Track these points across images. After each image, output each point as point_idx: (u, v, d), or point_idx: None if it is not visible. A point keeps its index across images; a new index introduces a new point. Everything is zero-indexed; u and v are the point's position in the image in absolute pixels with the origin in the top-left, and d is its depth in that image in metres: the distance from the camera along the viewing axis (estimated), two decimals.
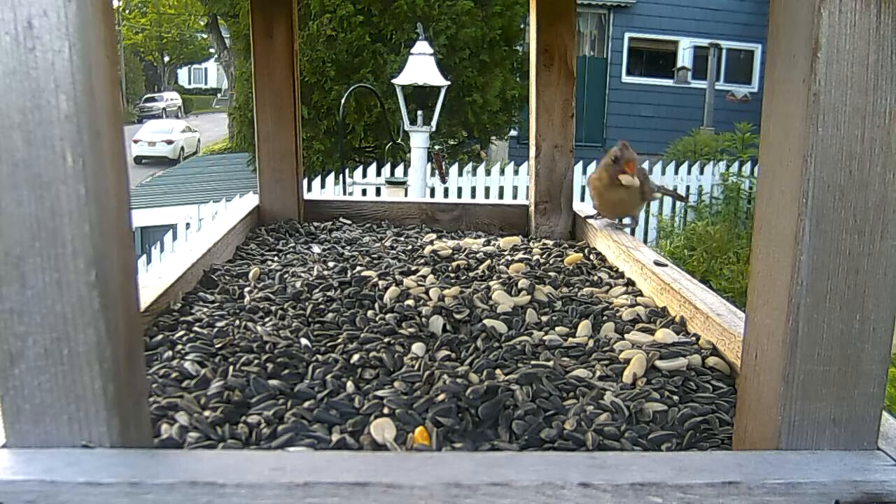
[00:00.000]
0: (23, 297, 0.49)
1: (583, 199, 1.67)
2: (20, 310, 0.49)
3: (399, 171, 6.16)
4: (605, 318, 0.93)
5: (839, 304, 0.52)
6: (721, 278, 5.59)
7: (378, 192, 5.55)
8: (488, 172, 6.82)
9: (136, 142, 17.07)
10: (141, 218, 6.60)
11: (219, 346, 0.78)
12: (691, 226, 6.62)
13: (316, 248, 1.26)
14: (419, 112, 4.61)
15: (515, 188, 6.69)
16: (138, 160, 16.80)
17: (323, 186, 6.18)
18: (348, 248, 1.27)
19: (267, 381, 0.70)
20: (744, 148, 7.54)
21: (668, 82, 12.28)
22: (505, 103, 8.26)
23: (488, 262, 1.15)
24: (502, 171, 6.80)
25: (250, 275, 1.06)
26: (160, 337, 0.80)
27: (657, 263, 1.07)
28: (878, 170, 0.51)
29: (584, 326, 0.90)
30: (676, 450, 0.64)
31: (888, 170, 0.51)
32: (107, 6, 0.49)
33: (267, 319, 0.88)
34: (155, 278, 0.94)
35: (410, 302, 0.94)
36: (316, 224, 1.45)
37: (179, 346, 0.78)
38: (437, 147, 7.10)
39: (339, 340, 0.82)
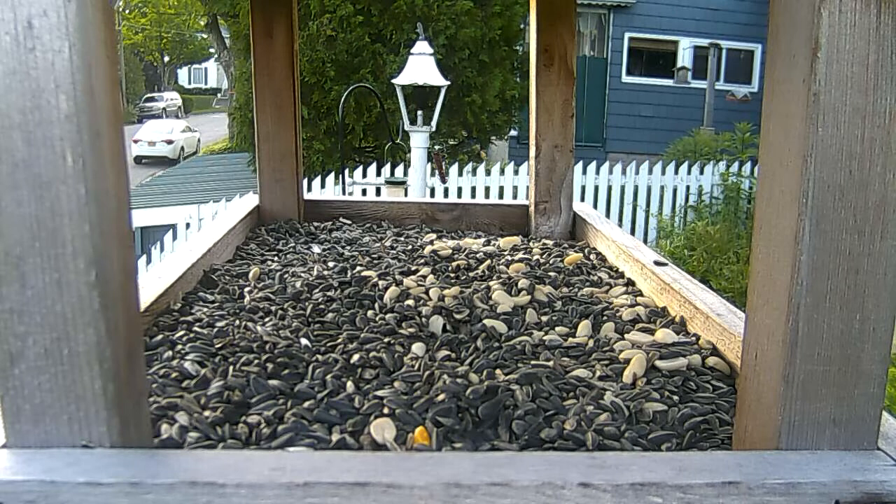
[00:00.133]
0: (23, 297, 0.49)
1: (583, 199, 1.69)
2: (20, 310, 0.49)
3: (399, 171, 6.16)
4: (605, 318, 0.93)
5: (839, 304, 0.52)
6: (721, 278, 5.59)
7: (378, 192, 5.55)
8: (488, 172, 6.82)
9: (136, 142, 17.07)
10: (141, 218, 6.59)
11: (219, 346, 0.78)
12: (691, 226, 6.62)
13: (316, 248, 1.26)
14: (419, 112, 4.61)
15: (515, 188, 6.69)
16: (138, 160, 16.79)
17: (323, 186, 6.18)
18: (348, 248, 1.27)
19: (267, 381, 0.70)
20: (744, 148, 7.54)
21: (668, 82, 12.28)
22: (505, 103, 8.26)
23: (488, 262, 1.15)
24: (502, 171, 6.80)
25: (250, 275, 1.06)
26: (160, 337, 0.80)
27: (657, 263, 1.07)
28: (878, 170, 0.51)
29: (584, 326, 0.90)
30: (676, 450, 0.64)
31: (888, 170, 0.51)
32: (107, 6, 0.49)
33: (267, 319, 0.88)
34: (155, 278, 0.94)
35: (410, 302, 0.94)
36: (316, 224, 1.45)
37: (179, 346, 0.78)
38: (436, 147, 7.10)
39: (339, 340, 0.82)
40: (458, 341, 0.84)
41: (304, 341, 0.81)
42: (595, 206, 6.30)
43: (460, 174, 6.63)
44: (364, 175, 6.23)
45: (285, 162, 1.45)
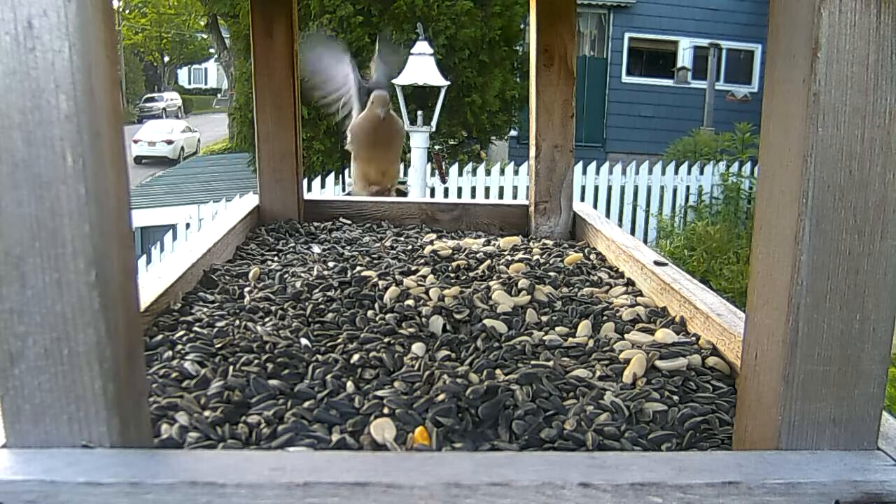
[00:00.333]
0: (23, 297, 0.49)
1: (583, 199, 1.70)
2: (20, 310, 0.49)
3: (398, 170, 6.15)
4: (605, 318, 0.93)
5: (839, 304, 0.52)
6: (721, 278, 5.59)
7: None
8: (488, 172, 6.82)
9: (136, 142, 17.07)
10: (141, 218, 6.59)
11: (219, 346, 0.78)
12: (691, 226, 6.63)
13: (316, 248, 1.26)
14: (419, 112, 4.62)
15: (515, 188, 6.70)
16: (138, 160, 16.79)
17: (323, 186, 6.18)
18: (348, 248, 1.27)
19: (267, 381, 0.70)
20: (744, 148, 7.54)
21: (668, 82, 12.28)
22: (505, 103, 8.26)
23: (488, 262, 1.15)
24: (502, 171, 6.80)
25: (250, 275, 1.06)
26: (160, 337, 0.80)
27: (657, 263, 1.07)
28: (878, 170, 0.51)
29: (584, 326, 0.90)
30: (676, 450, 0.64)
31: (888, 170, 0.51)
32: (107, 6, 0.49)
33: (267, 319, 0.88)
34: (155, 278, 0.94)
35: (410, 302, 0.94)
36: (316, 224, 1.45)
37: (179, 346, 0.78)
38: (437, 147, 7.10)
39: (339, 340, 0.82)
40: (458, 341, 0.84)
41: (304, 341, 0.81)
42: (595, 206, 6.30)
43: (460, 174, 6.63)
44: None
45: (285, 162, 1.45)
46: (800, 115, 0.50)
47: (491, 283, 1.02)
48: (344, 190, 4.65)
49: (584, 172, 6.85)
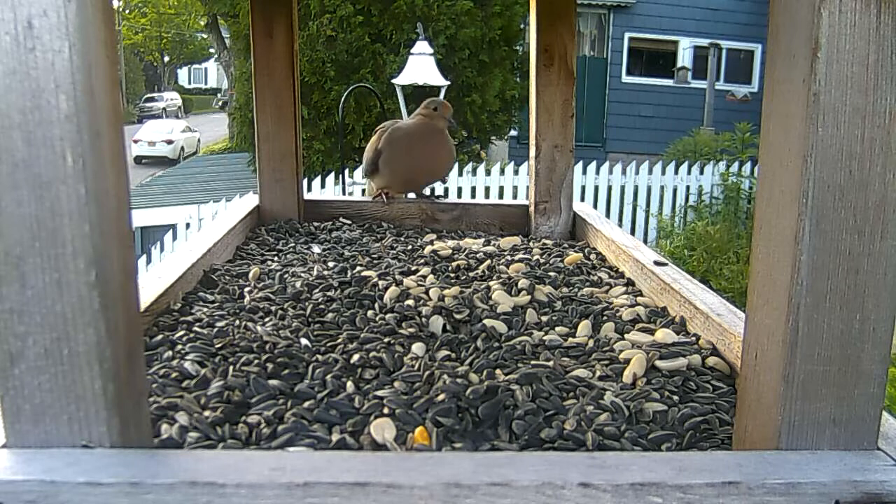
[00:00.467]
0: (23, 297, 0.49)
1: (583, 199, 1.69)
2: (20, 310, 0.49)
3: None
4: (605, 318, 0.93)
5: (839, 304, 0.52)
6: (721, 278, 5.59)
7: None
8: (488, 172, 6.82)
9: (136, 142, 17.06)
10: (141, 218, 6.59)
11: (219, 346, 0.78)
12: (691, 226, 6.62)
13: (316, 248, 1.26)
14: None
15: (515, 188, 6.69)
16: (138, 160, 16.79)
17: (323, 186, 6.18)
18: (348, 248, 1.27)
19: (267, 381, 0.70)
20: (744, 148, 7.54)
21: (668, 82, 12.28)
22: (504, 103, 8.26)
23: (488, 262, 1.15)
24: (502, 171, 6.80)
25: (250, 275, 1.06)
26: (160, 337, 0.80)
27: (657, 263, 1.07)
28: (878, 170, 0.51)
29: (584, 326, 0.90)
30: (676, 450, 0.64)
31: (888, 170, 0.51)
32: (107, 6, 0.49)
33: (267, 319, 0.88)
34: (155, 278, 0.94)
35: (410, 302, 0.94)
36: (316, 224, 1.45)
37: (179, 346, 0.78)
38: None
39: (339, 340, 0.82)
40: (458, 341, 0.84)
41: (304, 341, 0.81)
42: (595, 206, 6.30)
43: (460, 174, 6.63)
44: (364, 175, 6.23)
45: (285, 162, 1.45)
46: (800, 115, 0.50)
47: (491, 283, 1.02)
48: (344, 192, 4.64)
49: (584, 172, 6.85)
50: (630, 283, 1.11)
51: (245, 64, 7.97)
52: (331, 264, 1.13)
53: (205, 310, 0.91)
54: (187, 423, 0.63)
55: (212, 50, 26.32)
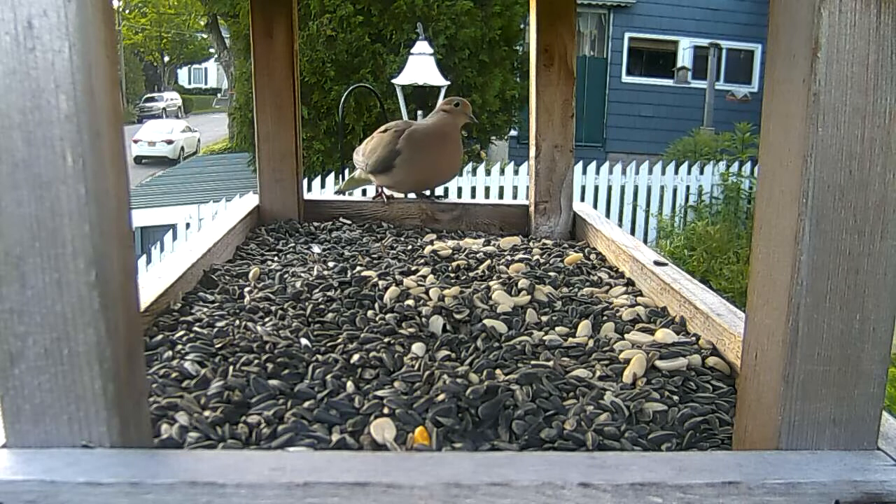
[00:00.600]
0: (23, 297, 0.49)
1: (583, 199, 1.69)
2: (20, 310, 0.49)
3: None
4: (605, 318, 0.93)
5: (839, 304, 0.52)
6: (721, 278, 5.59)
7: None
8: (488, 172, 6.82)
9: (136, 142, 17.07)
10: (141, 218, 6.59)
11: (219, 346, 0.78)
12: (691, 226, 6.62)
13: (316, 248, 1.26)
14: (419, 112, 4.61)
15: (515, 188, 6.69)
16: (138, 160, 16.79)
17: (323, 186, 6.18)
18: (348, 248, 1.27)
19: (267, 381, 0.70)
20: (744, 148, 7.54)
21: (668, 82, 12.28)
22: (504, 103, 8.26)
23: (488, 262, 1.15)
24: (502, 171, 6.80)
25: (250, 275, 1.06)
26: (160, 337, 0.80)
27: (657, 263, 1.07)
28: (878, 170, 0.51)
29: (584, 326, 0.90)
30: (676, 450, 0.64)
31: (888, 170, 0.51)
32: (107, 6, 0.49)
33: (267, 319, 0.88)
34: (155, 278, 0.94)
35: (410, 302, 0.94)
36: (316, 224, 1.45)
37: (179, 346, 0.78)
38: None
39: (339, 340, 0.82)
40: (458, 341, 0.84)
41: (304, 341, 0.81)
42: (595, 206, 6.30)
43: (460, 174, 6.63)
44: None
45: (285, 162, 1.45)
46: (800, 115, 0.50)
47: (491, 283, 1.02)
48: (344, 192, 4.65)
49: (584, 172, 6.86)
50: (630, 283, 1.11)
51: (245, 64, 7.98)
52: (331, 264, 1.13)
53: (205, 310, 0.91)
54: (187, 423, 0.63)
55: (212, 50, 26.33)
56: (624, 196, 7.02)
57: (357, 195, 1.69)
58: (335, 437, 0.62)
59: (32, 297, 0.49)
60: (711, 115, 10.52)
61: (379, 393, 0.69)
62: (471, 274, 1.10)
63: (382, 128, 1.57)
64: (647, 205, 7.07)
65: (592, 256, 1.25)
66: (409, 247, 1.27)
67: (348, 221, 1.49)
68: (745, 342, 0.59)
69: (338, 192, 1.54)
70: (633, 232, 6.80)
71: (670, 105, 12.05)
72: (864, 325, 0.53)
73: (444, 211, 1.52)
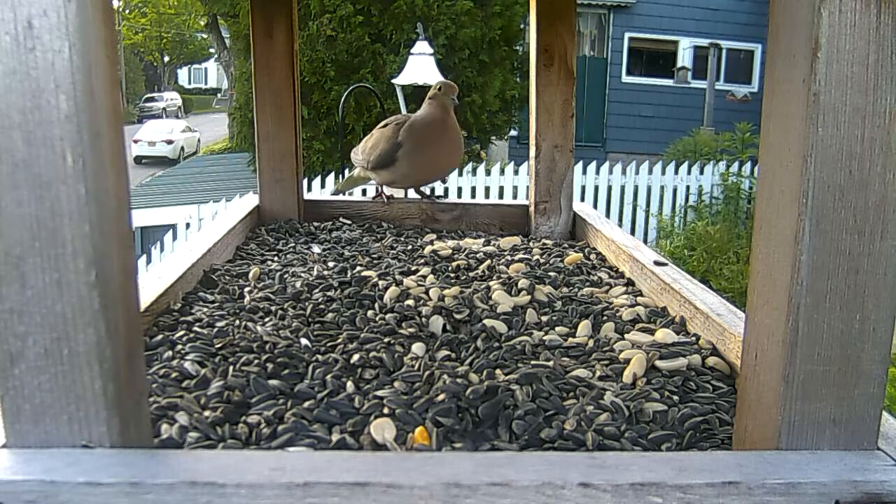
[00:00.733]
0: (23, 297, 0.49)
1: (583, 199, 1.69)
2: (20, 310, 0.49)
3: None
4: (605, 318, 0.93)
5: (839, 304, 0.52)
6: (721, 278, 5.59)
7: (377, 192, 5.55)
8: (488, 172, 6.82)
9: (136, 142, 17.07)
10: (141, 218, 6.59)
11: (219, 346, 0.78)
12: (691, 226, 6.62)
13: (316, 248, 1.26)
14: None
15: (515, 188, 6.69)
16: (138, 160, 16.79)
17: (323, 186, 6.18)
18: (348, 248, 1.27)
19: (267, 381, 0.70)
20: (744, 148, 7.54)
21: (668, 82, 12.28)
22: (504, 103, 8.26)
23: (488, 262, 1.15)
24: (502, 171, 6.80)
25: (250, 275, 1.06)
26: (160, 337, 0.80)
27: (657, 263, 1.07)
28: (878, 170, 0.51)
29: (584, 326, 0.90)
30: (676, 450, 0.64)
31: (888, 170, 0.51)
32: (107, 6, 0.49)
33: (267, 319, 0.88)
34: (155, 278, 0.94)
35: (410, 302, 0.94)
36: (316, 224, 1.45)
37: (179, 346, 0.78)
38: None
39: (339, 340, 0.82)
40: (458, 341, 0.84)
41: (304, 341, 0.81)
42: (595, 206, 6.30)
43: (460, 174, 6.63)
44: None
45: (285, 162, 1.45)
46: (800, 115, 0.50)
47: (491, 283, 1.02)
48: (344, 192, 4.65)
49: (584, 172, 6.86)
50: (630, 283, 1.11)
51: (245, 64, 7.98)
52: (331, 264, 1.13)
53: (205, 310, 0.91)
54: (187, 423, 0.63)
55: (212, 50, 26.33)
56: (624, 196, 7.02)
57: (357, 195, 1.69)
58: (335, 437, 0.62)
59: (32, 297, 0.49)
60: (711, 115, 10.52)
61: (379, 393, 0.69)
62: (471, 274, 1.10)
63: (381, 124, 1.56)
64: (647, 205, 7.07)
65: (592, 256, 1.25)
66: (409, 247, 1.27)
67: (348, 221, 1.49)
68: (745, 342, 0.59)
69: (335, 193, 1.53)
70: (633, 232, 6.80)
71: (670, 105, 12.05)
72: (864, 325, 0.53)
73: (444, 211, 1.52)
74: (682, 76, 12.15)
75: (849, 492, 0.51)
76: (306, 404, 0.67)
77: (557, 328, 0.90)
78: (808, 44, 0.49)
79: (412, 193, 1.58)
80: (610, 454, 0.55)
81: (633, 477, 0.50)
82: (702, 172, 7.10)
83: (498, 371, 0.76)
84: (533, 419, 0.66)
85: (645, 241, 5.90)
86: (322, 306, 0.93)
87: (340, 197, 1.65)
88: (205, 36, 28.92)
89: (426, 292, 0.98)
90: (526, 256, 1.21)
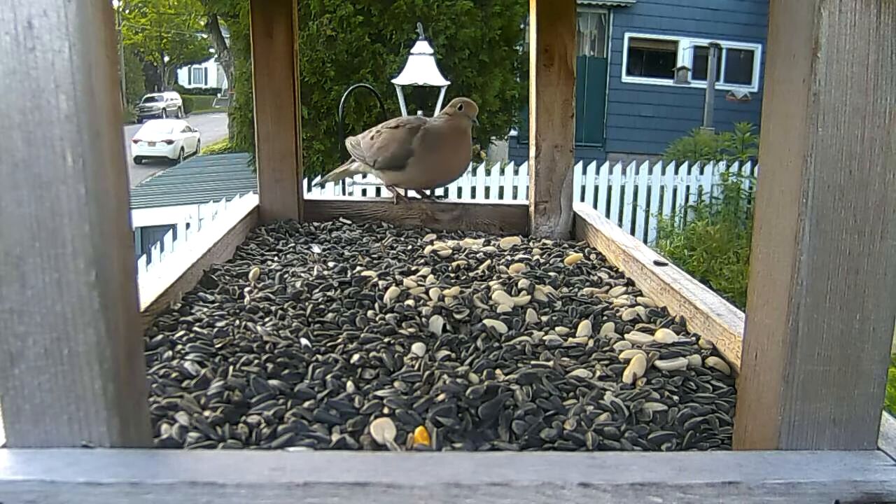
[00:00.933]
0: (23, 297, 0.49)
1: (583, 199, 1.69)
2: (20, 310, 0.49)
3: None
4: (605, 318, 0.93)
5: (839, 304, 0.52)
6: (721, 278, 5.59)
7: (378, 192, 5.56)
8: (488, 172, 6.82)
9: (136, 142, 17.07)
10: (141, 218, 6.60)
11: (219, 346, 0.78)
12: (691, 226, 6.63)
13: (316, 248, 1.26)
14: (419, 112, 4.61)
15: (515, 188, 6.69)
16: (138, 160, 16.80)
17: (323, 187, 6.18)
18: (348, 248, 1.27)
19: (267, 381, 0.70)
20: (744, 148, 7.54)
21: (668, 82, 12.28)
22: (504, 103, 8.26)
23: (488, 262, 1.15)
24: (502, 171, 6.80)
25: (250, 275, 1.06)
26: (160, 337, 0.80)
27: (657, 263, 1.07)
28: (878, 170, 0.51)
29: (584, 326, 0.90)
30: (676, 450, 0.64)
31: (888, 170, 0.51)
32: (107, 6, 0.49)
33: (267, 319, 0.88)
34: (155, 278, 0.94)
35: (410, 302, 0.94)
36: (316, 224, 1.45)
37: (179, 346, 0.78)
38: None
39: (339, 340, 0.82)
40: (458, 341, 0.84)
41: (304, 341, 0.81)
42: (595, 206, 6.30)
43: None
44: (364, 175, 6.24)
45: (285, 162, 1.45)
46: (800, 115, 0.50)
47: (491, 283, 1.02)
48: (344, 192, 4.64)
49: (584, 172, 6.86)
50: (630, 283, 1.11)
51: (245, 64, 7.97)
52: (331, 264, 1.13)
53: (205, 310, 0.91)
54: (187, 423, 0.63)
55: (212, 50, 26.33)
56: (624, 196, 7.02)
57: (357, 195, 1.68)
58: (335, 437, 0.62)
59: (32, 297, 0.49)
60: (711, 115, 10.53)
61: (379, 393, 0.69)
62: (471, 274, 1.10)
63: (392, 123, 1.55)
64: (647, 205, 7.07)
65: (592, 256, 1.25)
66: (409, 247, 1.27)
67: (348, 221, 1.49)
68: (745, 342, 0.59)
69: (320, 183, 1.53)
70: (633, 232, 6.80)
71: (670, 105, 12.05)
72: (864, 325, 0.53)
73: (444, 211, 1.52)
74: (682, 76, 12.15)
75: (849, 492, 0.51)
76: (306, 404, 0.67)
77: (557, 328, 0.90)
78: (808, 44, 0.49)
79: (412, 193, 1.58)
80: (610, 454, 0.55)
81: (633, 477, 0.50)
82: (702, 172, 7.10)
83: (498, 371, 0.76)
84: (533, 419, 0.66)
85: (645, 241, 5.90)
86: (322, 306, 0.93)
87: (340, 197, 1.66)
88: (205, 36, 28.92)
89: (426, 292, 0.98)
90: (526, 256, 1.21)
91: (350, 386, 0.71)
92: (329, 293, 0.97)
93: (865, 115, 0.50)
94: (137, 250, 6.06)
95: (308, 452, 0.59)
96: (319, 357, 0.77)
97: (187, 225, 5.94)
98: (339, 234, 1.38)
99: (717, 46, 10.92)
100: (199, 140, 19.23)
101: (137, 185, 11.25)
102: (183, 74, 38.12)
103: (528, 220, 1.49)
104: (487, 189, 6.70)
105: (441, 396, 0.67)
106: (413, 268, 1.12)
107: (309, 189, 5.88)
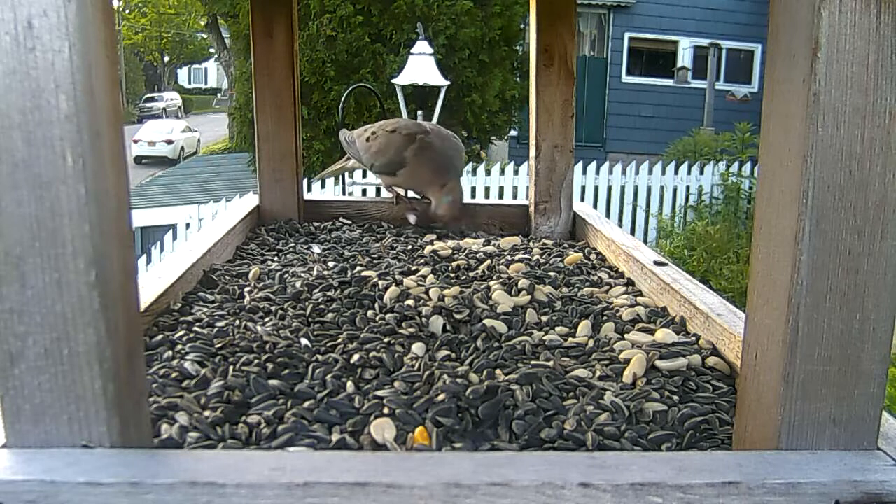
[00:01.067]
0: (23, 297, 0.49)
1: (583, 199, 1.69)
2: (20, 310, 0.49)
3: None
4: (605, 318, 0.93)
5: (839, 304, 0.52)
6: (721, 278, 5.60)
7: (378, 192, 5.56)
8: (488, 172, 6.82)
9: (136, 142, 17.07)
10: (141, 218, 6.60)
11: (219, 346, 0.78)
12: (691, 226, 6.63)
13: (316, 248, 1.26)
14: (419, 112, 4.61)
15: (515, 188, 6.70)
16: (138, 160, 16.80)
17: (323, 186, 6.18)
18: (348, 248, 1.27)
19: (267, 381, 0.70)
20: (744, 148, 7.54)
21: (668, 82, 12.28)
22: (504, 103, 8.26)
23: (488, 262, 1.15)
24: (502, 171, 6.80)
25: (250, 275, 1.06)
26: (160, 337, 0.80)
27: (657, 263, 1.07)
28: (878, 170, 0.51)
29: (584, 326, 0.90)
30: (676, 450, 0.64)
31: (888, 170, 0.51)
32: (107, 6, 0.49)
33: (267, 319, 0.88)
34: (155, 278, 0.94)
35: (410, 302, 0.94)
36: (316, 224, 1.45)
37: (179, 346, 0.78)
38: None
39: (339, 340, 0.82)
40: (458, 341, 0.84)
41: (304, 341, 0.81)
42: (595, 206, 6.30)
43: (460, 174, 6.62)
44: (364, 175, 6.24)
45: (285, 162, 1.45)
46: (800, 115, 0.50)
47: (491, 283, 1.02)
48: (344, 192, 4.64)
49: (584, 172, 6.86)
50: (630, 283, 1.11)
51: (245, 64, 7.97)
52: (331, 264, 1.13)
53: (205, 310, 0.91)
54: (187, 423, 0.63)
55: (212, 50, 26.33)
56: (624, 196, 7.02)
57: (357, 195, 1.68)
58: (335, 437, 0.62)
59: (32, 297, 0.49)
60: (711, 115, 10.52)
61: (379, 393, 0.69)
62: (471, 274, 1.10)
63: (390, 126, 1.53)
64: (647, 205, 7.07)
65: (592, 256, 1.25)
66: (409, 247, 1.27)
67: (348, 221, 1.49)
68: (745, 342, 0.59)
69: (317, 179, 1.52)
70: (633, 232, 6.81)
71: (670, 105, 12.05)
72: (864, 325, 0.53)
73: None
74: (682, 76, 12.15)
75: (849, 492, 0.51)
76: (306, 404, 0.67)
77: (557, 328, 0.90)
78: (808, 44, 0.49)
79: (412, 194, 1.58)
80: (610, 454, 0.55)
81: (633, 477, 0.50)
82: (702, 172, 7.10)
83: (498, 371, 0.76)
84: (533, 419, 0.66)
85: (645, 241, 5.90)
86: (322, 306, 0.93)
87: (340, 197, 1.65)
88: (205, 36, 28.92)
89: (426, 292, 0.98)
90: (526, 256, 1.21)
91: (350, 386, 0.71)
92: (329, 293, 0.97)
93: (865, 115, 0.50)
94: (137, 250, 6.06)
95: (308, 452, 0.59)
96: (319, 357, 0.77)
97: (187, 225, 5.94)
98: (339, 234, 1.38)
99: (717, 46, 10.92)
100: (199, 140, 19.23)
101: (137, 185, 11.25)
102: (183, 74, 38.13)
103: (528, 220, 1.49)
104: (487, 189, 6.70)
105: (441, 396, 0.67)
106: (413, 268, 1.12)
107: (308, 188, 5.88)
